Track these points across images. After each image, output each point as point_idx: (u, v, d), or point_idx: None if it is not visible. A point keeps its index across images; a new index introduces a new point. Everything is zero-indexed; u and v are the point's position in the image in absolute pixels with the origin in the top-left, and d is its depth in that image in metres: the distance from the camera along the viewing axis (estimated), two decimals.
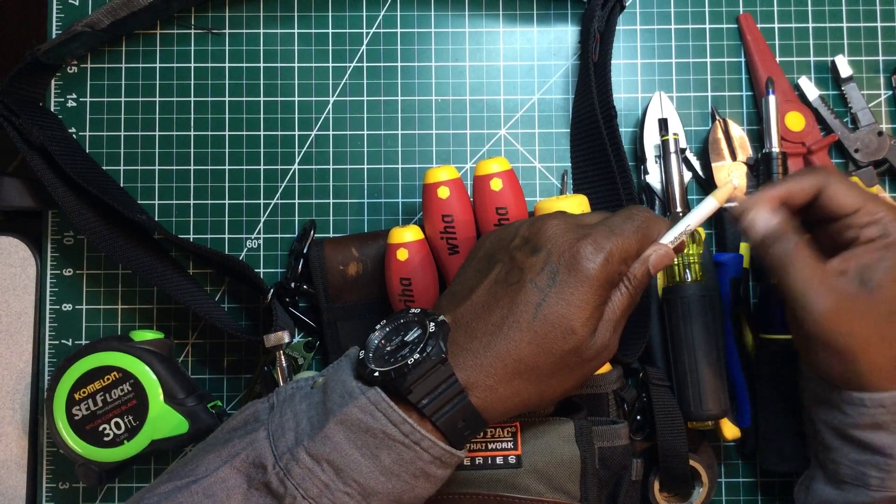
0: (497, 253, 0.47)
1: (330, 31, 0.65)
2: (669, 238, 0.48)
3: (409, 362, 0.43)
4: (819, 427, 0.52)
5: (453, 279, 0.49)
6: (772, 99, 0.60)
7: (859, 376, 0.49)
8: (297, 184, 0.64)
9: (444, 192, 0.56)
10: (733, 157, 0.62)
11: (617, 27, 0.63)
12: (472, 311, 0.45)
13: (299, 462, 0.42)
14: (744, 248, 0.62)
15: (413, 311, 0.47)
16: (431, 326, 0.44)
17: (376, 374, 0.43)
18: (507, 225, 0.49)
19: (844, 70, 0.63)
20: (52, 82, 0.65)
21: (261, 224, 0.64)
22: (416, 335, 0.45)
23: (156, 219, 0.64)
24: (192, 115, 0.65)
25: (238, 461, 0.43)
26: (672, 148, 0.61)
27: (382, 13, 0.65)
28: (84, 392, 0.57)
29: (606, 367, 0.58)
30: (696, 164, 0.63)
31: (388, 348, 0.46)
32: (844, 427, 0.50)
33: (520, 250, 0.45)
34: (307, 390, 0.46)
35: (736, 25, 0.65)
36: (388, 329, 0.47)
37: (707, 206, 0.49)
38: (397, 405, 0.43)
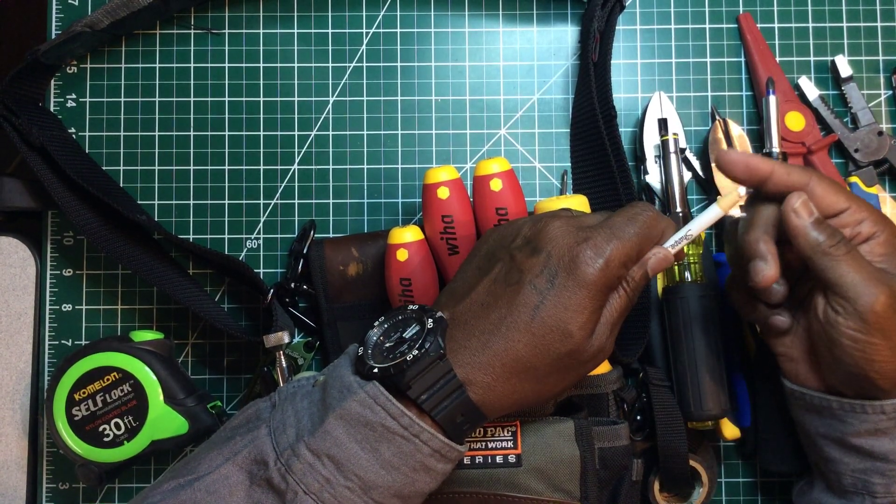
0: (498, 252, 0.47)
1: (330, 31, 0.65)
2: (670, 243, 0.48)
3: (408, 358, 0.43)
4: (816, 440, 0.52)
5: (454, 276, 0.49)
6: (772, 99, 0.60)
7: (868, 381, 0.48)
8: (296, 184, 0.64)
9: (443, 193, 0.56)
10: None
11: (617, 27, 0.63)
12: (471, 309, 0.45)
13: (300, 457, 0.42)
14: None
15: (411, 307, 0.47)
16: (429, 323, 0.45)
17: (375, 370, 0.44)
18: (511, 222, 0.49)
19: (844, 70, 0.63)
20: (52, 82, 0.65)
21: (260, 224, 0.64)
22: (414, 331, 0.45)
23: (156, 219, 0.64)
24: (192, 116, 0.65)
25: (240, 458, 0.44)
26: (672, 148, 0.61)
27: (382, 13, 0.65)
28: (84, 392, 0.57)
29: (606, 367, 0.58)
30: (696, 164, 0.63)
31: (387, 345, 0.46)
32: (844, 436, 0.50)
33: (520, 250, 0.45)
34: (308, 388, 0.47)
35: (736, 25, 0.65)
36: (386, 326, 0.47)
37: (710, 214, 0.48)
38: (396, 399, 0.43)
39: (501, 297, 0.45)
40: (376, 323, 0.48)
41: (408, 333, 0.46)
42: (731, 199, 0.48)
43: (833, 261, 0.46)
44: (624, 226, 0.45)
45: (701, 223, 0.48)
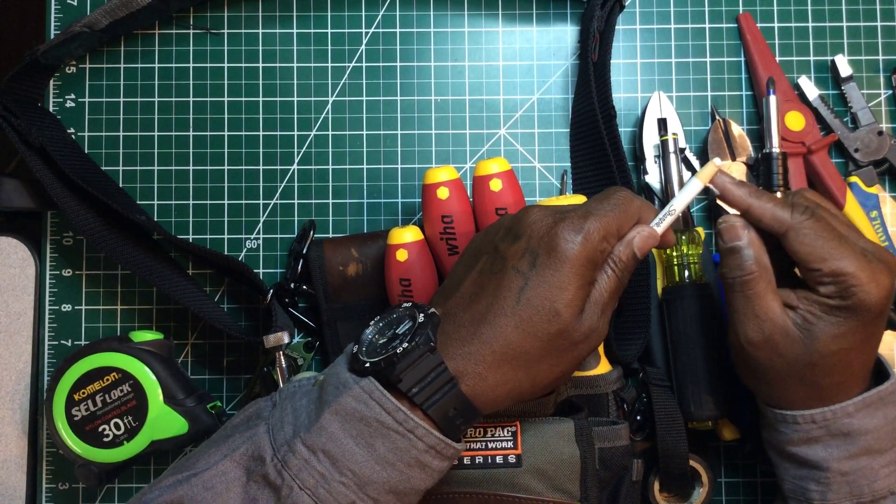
0: (483, 246, 0.47)
1: (329, 31, 0.65)
2: (655, 221, 0.48)
3: (398, 351, 0.43)
4: (765, 446, 0.54)
5: (446, 277, 0.50)
6: (773, 99, 0.60)
7: (778, 399, 0.51)
8: (296, 184, 0.64)
9: (443, 193, 0.56)
10: (733, 157, 0.62)
11: (616, 27, 0.63)
12: (460, 302, 0.46)
13: (296, 453, 0.43)
14: None
15: (405, 305, 0.47)
16: (421, 318, 0.45)
17: (367, 364, 0.44)
18: (495, 221, 0.49)
19: (844, 69, 0.63)
20: (51, 82, 0.65)
21: (260, 224, 0.64)
22: (406, 327, 0.46)
23: (155, 219, 0.64)
24: (191, 116, 0.65)
25: (238, 455, 0.44)
26: (671, 148, 0.61)
27: (381, 13, 0.65)
28: (84, 393, 0.57)
29: (606, 367, 0.58)
30: (696, 163, 0.63)
31: (381, 341, 0.46)
32: (781, 444, 0.51)
33: (503, 240, 0.46)
34: (308, 388, 0.47)
35: (736, 25, 0.65)
36: (381, 324, 0.48)
37: (691, 188, 0.49)
38: (391, 394, 0.43)
39: (487, 286, 0.45)
40: (372, 322, 0.48)
41: (401, 329, 0.46)
42: (709, 170, 0.49)
43: (808, 230, 0.47)
44: (598, 204, 0.46)
45: (683, 198, 0.49)
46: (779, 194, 0.59)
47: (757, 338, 0.49)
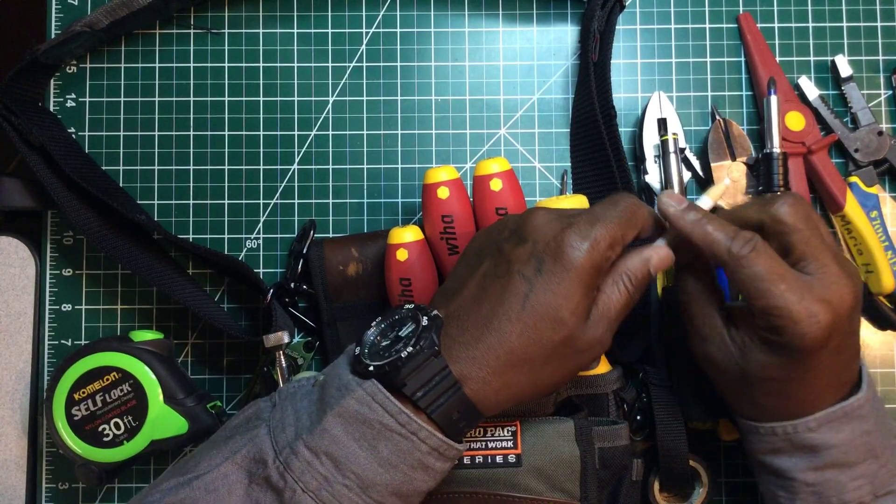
0: (486, 247, 0.47)
1: (329, 30, 0.65)
2: (668, 239, 0.48)
3: (403, 355, 0.43)
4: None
5: (447, 277, 0.50)
6: (773, 99, 0.60)
7: (747, 410, 0.51)
8: (296, 184, 0.64)
9: (443, 193, 0.56)
10: (733, 157, 0.62)
11: (617, 27, 0.63)
12: (464, 304, 0.45)
13: (298, 456, 0.42)
14: None
15: (407, 306, 0.47)
16: (424, 321, 0.45)
17: (371, 368, 0.44)
18: (497, 221, 0.49)
19: (844, 70, 0.63)
20: (52, 82, 0.65)
21: (260, 224, 0.64)
22: (409, 330, 0.45)
23: (155, 219, 0.64)
24: (192, 115, 0.65)
25: (239, 457, 0.44)
26: (671, 148, 0.61)
27: (382, 13, 0.65)
28: (84, 392, 0.57)
29: (606, 367, 0.58)
30: (696, 163, 0.63)
31: (384, 343, 0.46)
32: (752, 452, 0.52)
33: (507, 242, 0.46)
34: (308, 388, 0.47)
35: (736, 25, 0.65)
36: (383, 325, 0.47)
37: (701, 205, 0.49)
38: (394, 396, 0.43)
39: (492, 290, 0.45)
40: (373, 323, 0.48)
41: (403, 332, 0.46)
42: (720, 189, 0.49)
43: (745, 265, 0.46)
44: (605, 210, 0.46)
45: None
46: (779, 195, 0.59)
47: (698, 353, 0.51)
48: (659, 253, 0.47)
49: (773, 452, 0.50)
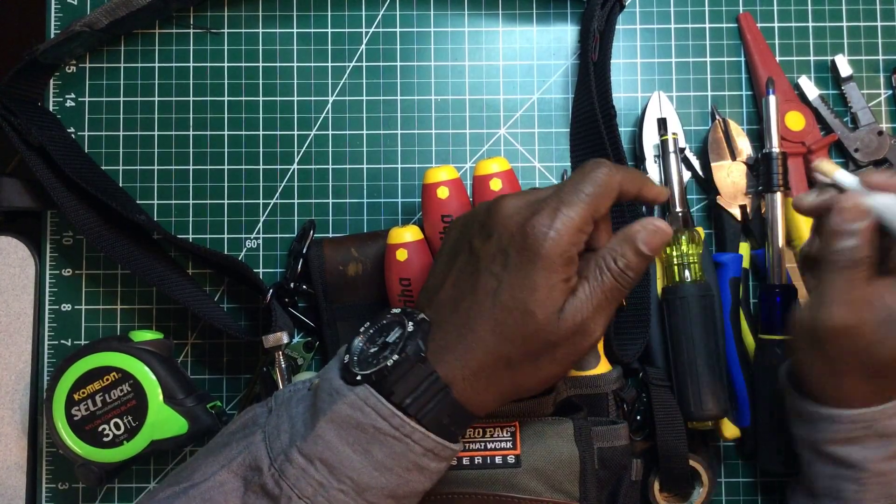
0: (460, 242, 0.46)
1: (329, 30, 0.65)
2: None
3: (389, 364, 0.43)
4: (798, 442, 0.52)
5: (428, 273, 0.48)
6: (772, 99, 0.60)
7: (839, 391, 0.48)
8: (296, 184, 0.64)
9: (443, 193, 0.56)
10: (733, 156, 0.62)
11: (616, 26, 0.63)
12: (444, 305, 0.45)
13: (293, 462, 0.42)
14: (743, 248, 0.62)
15: (394, 311, 0.47)
16: (410, 326, 0.44)
17: (358, 377, 0.43)
18: (470, 211, 0.48)
19: (844, 69, 0.63)
20: (51, 82, 0.65)
21: (260, 224, 0.64)
22: (396, 336, 0.45)
23: (155, 219, 0.64)
24: (191, 115, 0.65)
25: (235, 465, 0.44)
26: (671, 147, 0.61)
27: (381, 13, 0.65)
28: (83, 392, 0.57)
29: (606, 367, 0.58)
30: (696, 163, 0.63)
31: (371, 350, 0.45)
32: (818, 443, 0.50)
33: (477, 237, 0.45)
34: (304, 393, 0.46)
35: (736, 25, 0.65)
36: (371, 332, 0.47)
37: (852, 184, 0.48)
38: (386, 400, 0.43)
39: (466, 289, 0.44)
40: (361, 329, 0.47)
41: (391, 338, 0.45)
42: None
43: None
44: (573, 191, 0.43)
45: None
46: (779, 194, 0.59)
47: (846, 323, 0.46)
48: (646, 227, 0.44)
49: (847, 442, 0.48)
